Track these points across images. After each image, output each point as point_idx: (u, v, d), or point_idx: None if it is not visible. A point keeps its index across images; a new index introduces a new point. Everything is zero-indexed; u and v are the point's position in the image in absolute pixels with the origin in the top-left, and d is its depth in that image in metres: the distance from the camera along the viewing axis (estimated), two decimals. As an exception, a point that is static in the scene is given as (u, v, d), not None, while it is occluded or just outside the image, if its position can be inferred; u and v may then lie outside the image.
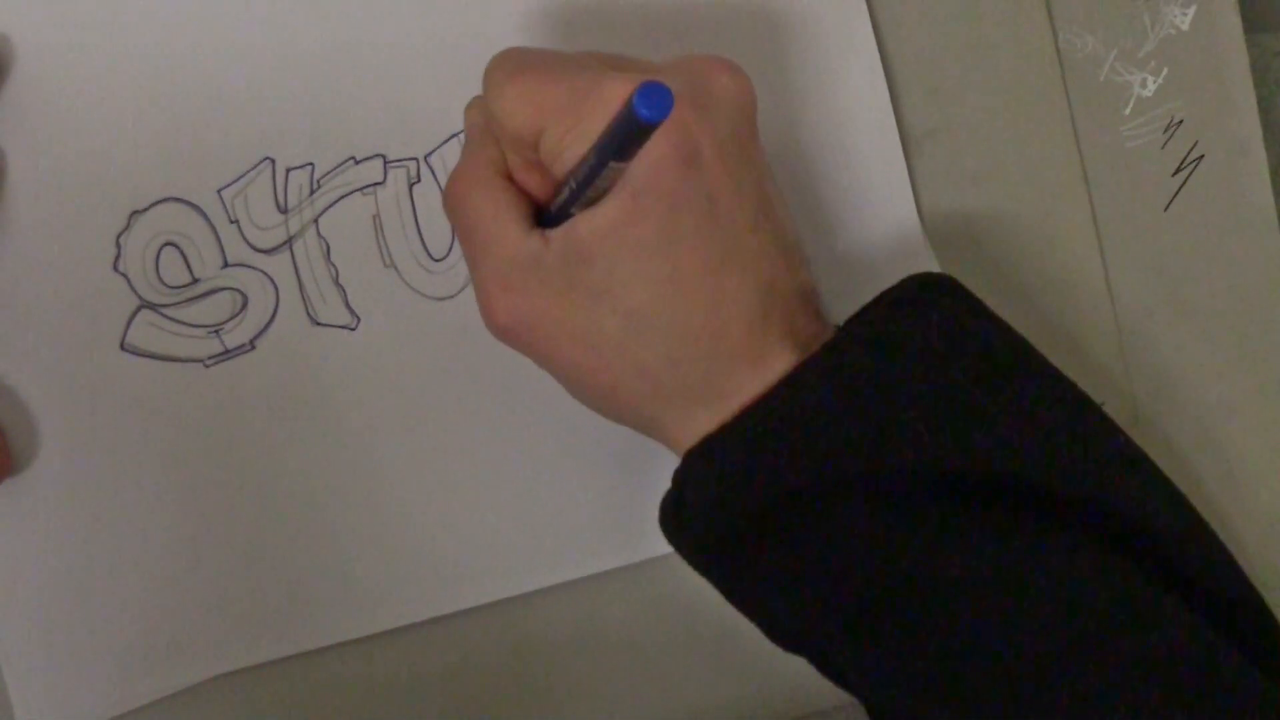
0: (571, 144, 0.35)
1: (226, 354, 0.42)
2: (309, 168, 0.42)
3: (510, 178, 0.37)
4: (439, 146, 0.42)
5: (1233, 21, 0.46)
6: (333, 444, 0.42)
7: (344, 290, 0.42)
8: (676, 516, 0.37)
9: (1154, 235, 0.46)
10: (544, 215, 0.37)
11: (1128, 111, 0.46)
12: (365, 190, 0.42)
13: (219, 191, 0.42)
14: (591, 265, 0.35)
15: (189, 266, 0.42)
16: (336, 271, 0.42)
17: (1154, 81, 0.46)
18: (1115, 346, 0.46)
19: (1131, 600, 0.34)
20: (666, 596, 0.45)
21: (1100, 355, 0.46)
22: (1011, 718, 0.34)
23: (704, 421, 0.36)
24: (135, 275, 0.41)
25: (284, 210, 0.42)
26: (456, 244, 0.43)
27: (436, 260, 0.43)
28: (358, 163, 0.42)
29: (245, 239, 0.42)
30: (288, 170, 0.42)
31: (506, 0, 0.42)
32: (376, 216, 0.42)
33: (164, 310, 0.42)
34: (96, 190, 0.41)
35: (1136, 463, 0.37)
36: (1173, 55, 0.46)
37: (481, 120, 0.38)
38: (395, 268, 0.43)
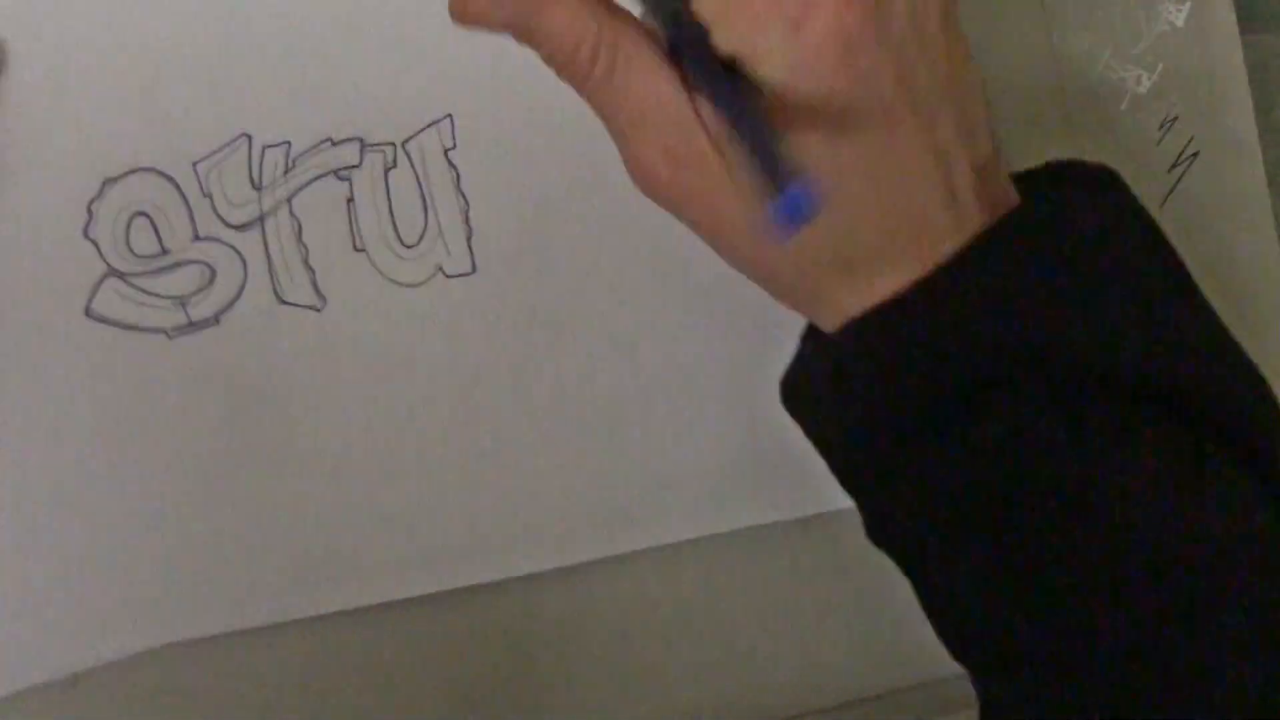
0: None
1: (191, 326, 0.42)
2: (285, 146, 0.42)
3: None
4: (417, 134, 0.43)
5: (1228, 18, 0.46)
6: (292, 422, 0.42)
7: (313, 271, 0.42)
8: (834, 387, 0.35)
9: None
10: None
11: (1123, 108, 0.46)
12: (340, 173, 0.42)
13: (194, 164, 0.42)
14: None
15: (159, 237, 0.42)
16: (307, 251, 0.42)
17: (1149, 78, 0.46)
18: (1112, 344, 0.47)
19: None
20: (663, 593, 0.45)
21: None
22: (1142, 652, 0.33)
23: (864, 292, 0.35)
24: (105, 242, 0.41)
25: (258, 187, 0.42)
26: (428, 231, 0.43)
27: (408, 246, 0.43)
28: (334, 144, 0.42)
29: (217, 213, 0.42)
30: (264, 148, 0.42)
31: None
32: (350, 200, 0.43)
33: (131, 279, 0.42)
34: (70, 156, 0.41)
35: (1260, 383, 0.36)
36: (1168, 52, 0.46)
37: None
38: (366, 252, 0.43)
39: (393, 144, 0.43)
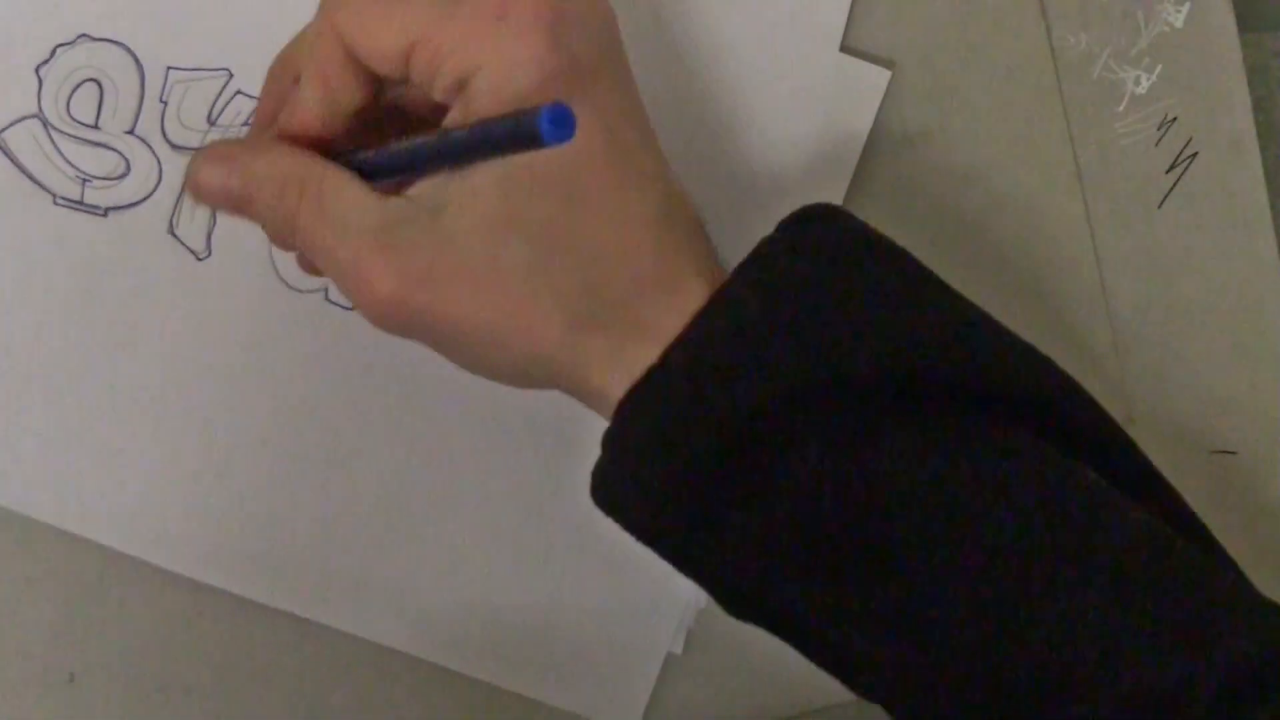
0: (452, 66, 0.33)
1: (78, 205, 0.42)
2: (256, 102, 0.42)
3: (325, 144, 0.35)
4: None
5: (1226, 18, 0.46)
6: (117, 343, 0.42)
7: (214, 222, 0.42)
8: (616, 479, 0.34)
9: (1147, 233, 0.47)
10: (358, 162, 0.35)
11: (1121, 109, 0.46)
12: (291, 154, 0.42)
13: (169, 68, 0.41)
14: (482, 198, 0.33)
15: (99, 111, 0.41)
16: (220, 203, 0.42)
17: (1147, 79, 0.46)
18: (1109, 343, 0.47)
19: (1090, 497, 0.33)
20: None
21: (1094, 352, 0.47)
22: (994, 636, 0.33)
23: (630, 361, 0.33)
24: (49, 87, 0.41)
25: (212, 122, 0.42)
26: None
27: (309, 253, 0.42)
28: (300, 127, 0.42)
29: (163, 124, 0.42)
30: (238, 92, 0.42)
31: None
32: (285, 182, 0.42)
33: (52, 132, 0.41)
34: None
35: (1029, 349, 0.36)
36: (1166, 52, 0.46)
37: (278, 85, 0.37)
38: (270, 235, 0.42)
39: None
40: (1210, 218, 0.46)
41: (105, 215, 0.42)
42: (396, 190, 0.34)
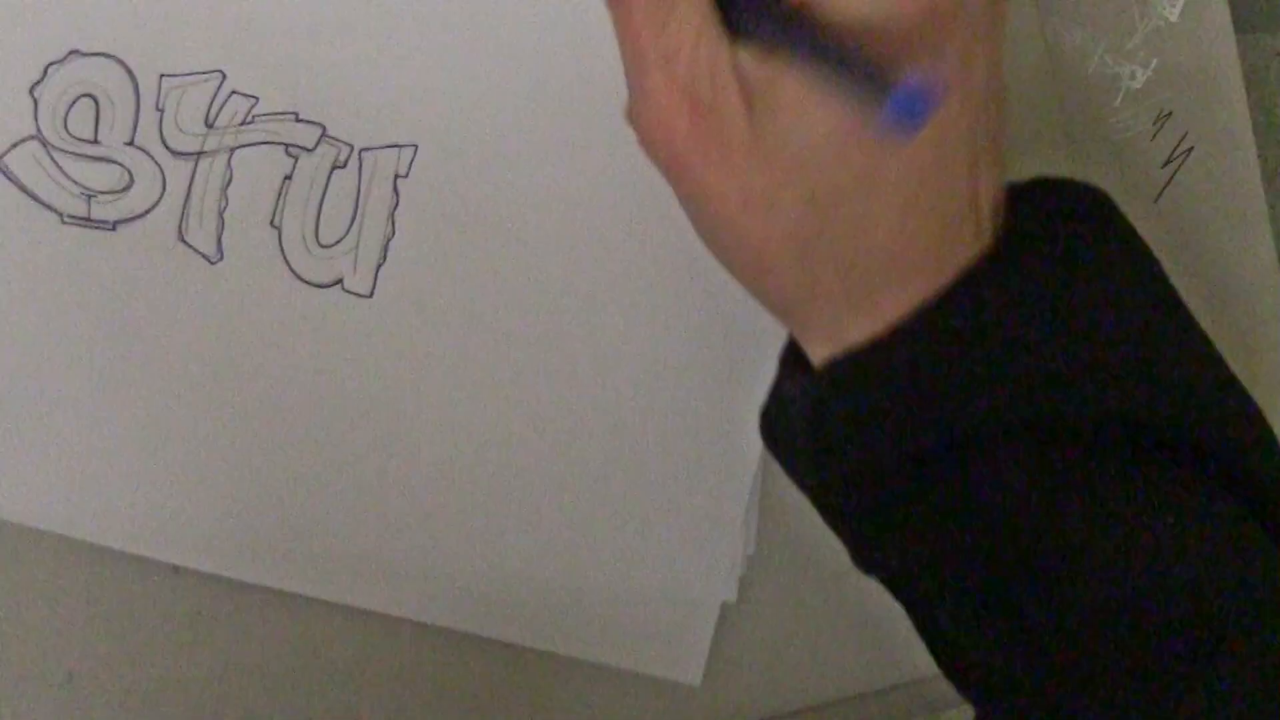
0: None
1: (86, 221, 0.42)
2: (253, 101, 0.42)
3: None
4: (379, 148, 0.42)
5: (1221, 13, 0.46)
6: (139, 355, 0.42)
7: (223, 224, 0.42)
8: (814, 430, 0.33)
9: (1144, 226, 0.45)
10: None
11: (1117, 103, 0.46)
12: (291, 148, 0.42)
13: (162, 75, 0.41)
14: (788, 131, 0.31)
15: (97, 126, 0.41)
16: (226, 204, 0.42)
17: (1143, 73, 0.46)
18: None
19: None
20: None
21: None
22: (1136, 701, 0.32)
23: (852, 328, 0.33)
24: (45, 107, 0.41)
25: (209, 125, 0.42)
26: (345, 241, 0.42)
27: (320, 245, 0.42)
28: (298, 121, 0.42)
29: (161, 131, 0.41)
30: (232, 92, 0.42)
31: (508, 52, 0.42)
32: (289, 178, 0.42)
33: (53, 152, 0.41)
34: (48, 15, 0.40)
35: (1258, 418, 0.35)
36: (1161, 46, 0.46)
37: None
38: (280, 230, 0.42)
39: (351, 145, 0.42)
40: (1206, 211, 0.46)
41: (114, 229, 0.42)
42: (735, 36, 0.32)
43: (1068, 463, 0.32)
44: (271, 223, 0.42)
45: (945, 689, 0.43)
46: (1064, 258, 0.33)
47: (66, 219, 0.42)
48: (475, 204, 0.42)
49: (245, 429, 0.43)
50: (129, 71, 0.41)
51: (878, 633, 0.46)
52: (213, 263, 0.42)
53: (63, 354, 0.42)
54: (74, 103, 0.41)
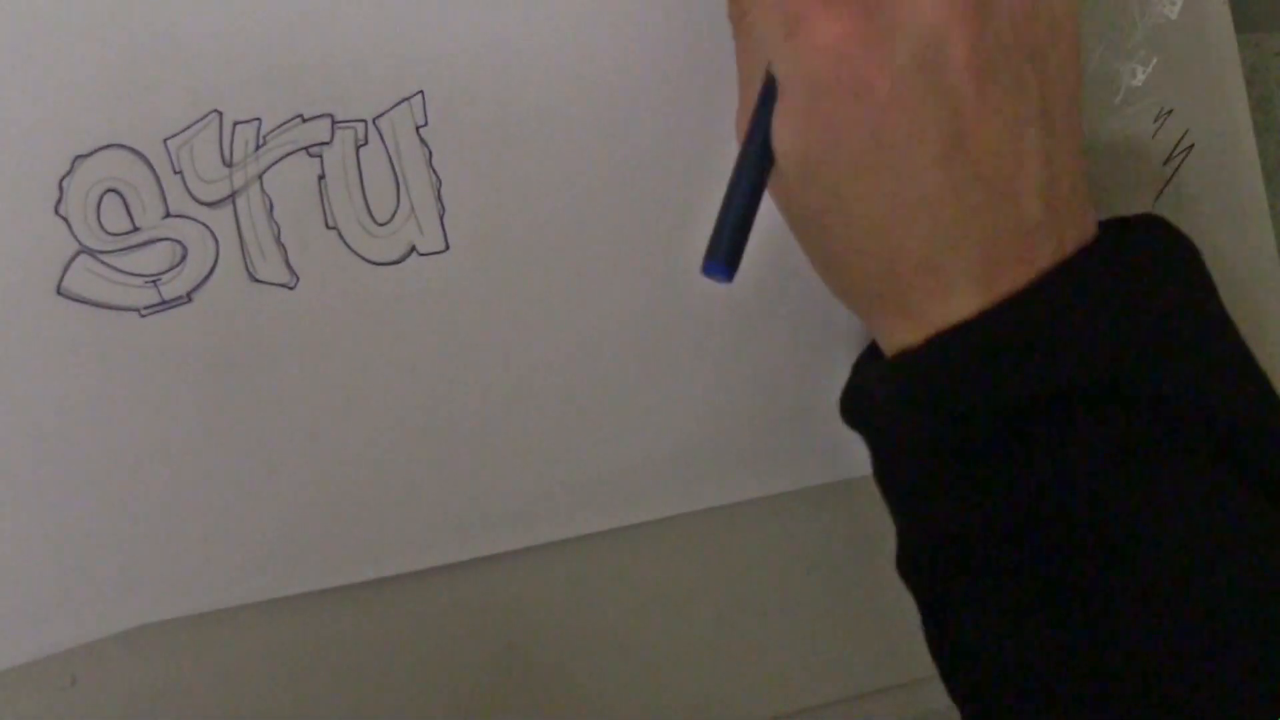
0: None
1: (163, 305, 0.42)
2: (256, 123, 0.42)
3: None
4: (389, 110, 0.42)
5: (1221, 10, 0.46)
6: (267, 401, 0.42)
7: (284, 248, 0.42)
8: (907, 397, 0.36)
9: None
10: None
11: (1117, 101, 0.46)
12: (312, 149, 0.42)
13: (165, 141, 0.41)
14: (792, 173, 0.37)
15: (130, 214, 0.41)
16: (279, 229, 0.42)
17: (1143, 71, 0.46)
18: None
19: None
20: (658, 590, 0.45)
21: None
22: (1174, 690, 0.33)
23: (904, 330, 0.37)
24: (76, 220, 0.41)
25: (229, 164, 0.42)
26: (400, 209, 0.43)
27: (380, 224, 0.43)
28: (305, 121, 0.42)
29: (189, 190, 0.42)
30: (235, 124, 0.42)
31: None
32: (322, 177, 0.42)
33: (103, 257, 0.41)
34: (40, 133, 0.41)
35: None
36: (1162, 44, 0.45)
37: None
38: (338, 229, 0.42)
39: (364, 120, 0.42)
40: (1207, 209, 0.46)
41: (191, 300, 0.42)
42: None
43: (1143, 439, 0.34)
44: (326, 225, 0.42)
45: (930, 692, 0.43)
46: (1129, 265, 0.35)
47: (144, 311, 0.42)
48: (502, 112, 0.43)
49: (377, 428, 0.43)
50: (133, 151, 0.41)
51: (878, 633, 0.47)
52: (291, 288, 0.42)
53: (185, 429, 0.42)
54: (99, 202, 0.41)
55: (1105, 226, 0.38)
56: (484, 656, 0.45)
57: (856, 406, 0.39)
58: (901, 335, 0.36)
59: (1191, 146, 0.46)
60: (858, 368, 0.40)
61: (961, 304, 0.35)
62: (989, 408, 0.35)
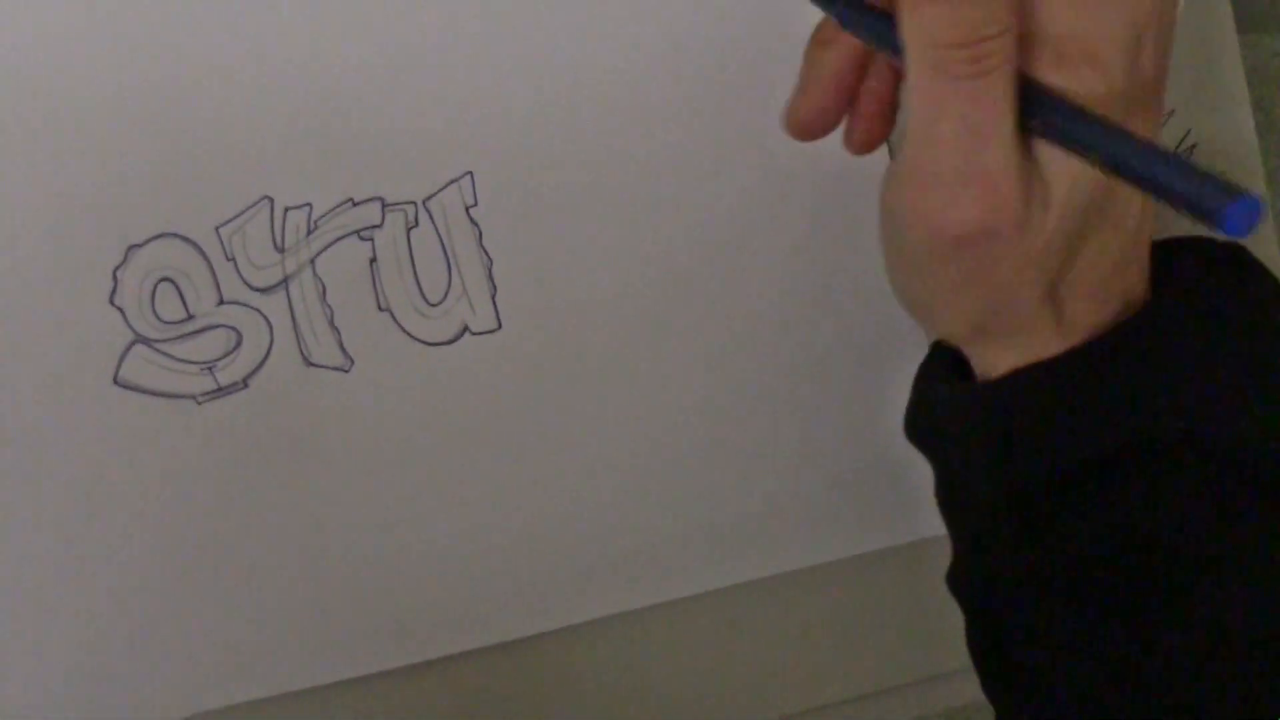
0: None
1: (220, 391, 0.42)
2: (307, 208, 0.42)
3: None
4: (438, 192, 0.42)
5: (1223, 11, 0.45)
6: (325, 485, 0.43)
7: (338, 332, 0.42)
8: (988, 430, 0.35)
9: None
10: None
11: None
12: (363, 233, 0.42)
13: (217, 229, 0.41)
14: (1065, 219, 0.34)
15: (184, 303, 0.42)
16: (332, 313, 0.42)
17: None
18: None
19: None
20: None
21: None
22: None
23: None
24: (131, 309, 0.41)
25: (281, 250, 0.42)
26: (452, 289, 0.42)
27: (432, 305, 0.42)
28: (356, 205, 0.42)
29: (242, 277, 0.42)
30: (285, 210, 0.42)
31: (507, 47, 0.42)
32: (373, 260, 0.42)
33: (158, 345, 0.42)
34: (93, 223, 0.41)
35: None
36: None
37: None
38: (390, 311, 0.42)
39: (414, 203, 0.42)
40: None
41: (247, 386, 0.42)
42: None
43: (1224, 489, 0.34)
44: (379, 307, 0.42)
45: (944, 691, 0.43)
46: (1208, 307, 0.35)
47: (200, 399, 0.42)
48: (550, 189, 0.42)
49: (434, 508, 0.43)
50: (186, 239, 0.41)
51: (879, 634, 0.46)
52: (346, 371, 0.42)
53: (244, 515, 0.42)
54: (154, 291, 0.41)
55: (1190, 248, 0.37)
56: (484, 650, 0.45)
57: (922, 425, 0.38)
58: (1008, 361, 0.35)
59: (1194, 147, 0.46)
60: (919, 383, 0.39)
61: (1054, 341, 0.35)
62: (1069, 450, 0.34)
